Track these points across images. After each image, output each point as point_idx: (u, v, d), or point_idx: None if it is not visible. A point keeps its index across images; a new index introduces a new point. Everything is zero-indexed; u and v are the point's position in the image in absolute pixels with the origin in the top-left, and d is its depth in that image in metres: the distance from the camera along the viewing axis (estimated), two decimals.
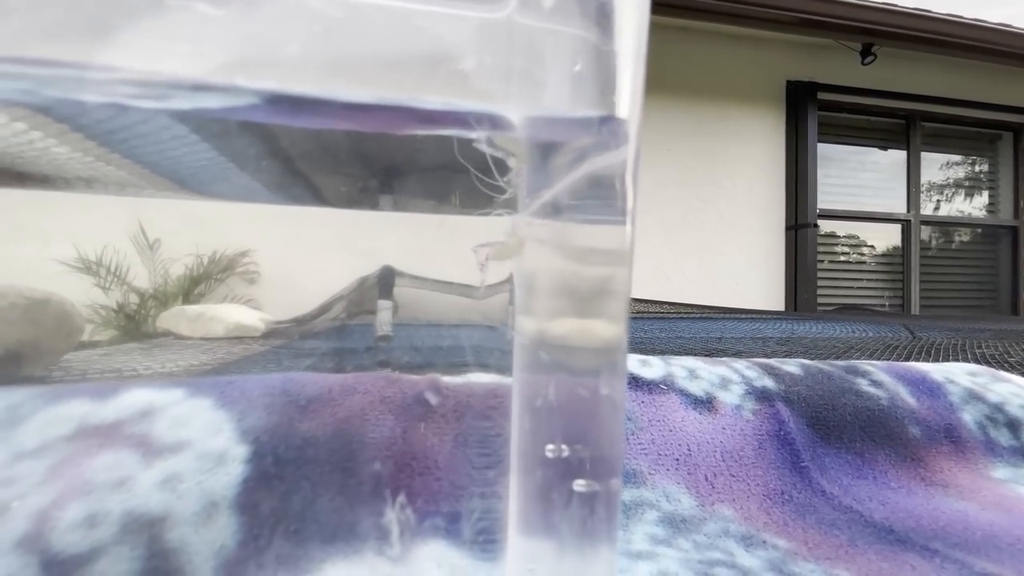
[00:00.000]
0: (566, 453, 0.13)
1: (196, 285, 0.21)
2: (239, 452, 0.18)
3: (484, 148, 0.16)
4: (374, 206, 0.20)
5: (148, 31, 0.15)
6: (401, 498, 0.18)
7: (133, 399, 0.19)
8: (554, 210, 0.15)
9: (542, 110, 0.14)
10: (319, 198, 0.21)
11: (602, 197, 0.13)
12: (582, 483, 0.13)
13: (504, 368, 0.17)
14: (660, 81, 2.34)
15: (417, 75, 0.15)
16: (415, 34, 0.15)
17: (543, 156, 0.15)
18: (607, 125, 0.12)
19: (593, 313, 0.14)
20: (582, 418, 0.13)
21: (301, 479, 0.18)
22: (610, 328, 0.13)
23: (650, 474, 0.25)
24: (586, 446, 0.13)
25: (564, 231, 0.15)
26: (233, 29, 0.15)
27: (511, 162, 0.16)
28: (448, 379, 0.21)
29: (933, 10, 2.28)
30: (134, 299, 0.20)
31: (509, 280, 0.17)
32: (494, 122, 0.15)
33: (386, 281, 0.21)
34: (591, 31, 0.12)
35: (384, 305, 0.21)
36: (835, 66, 2.58)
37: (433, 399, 0.18)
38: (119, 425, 0.18)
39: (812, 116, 2.56)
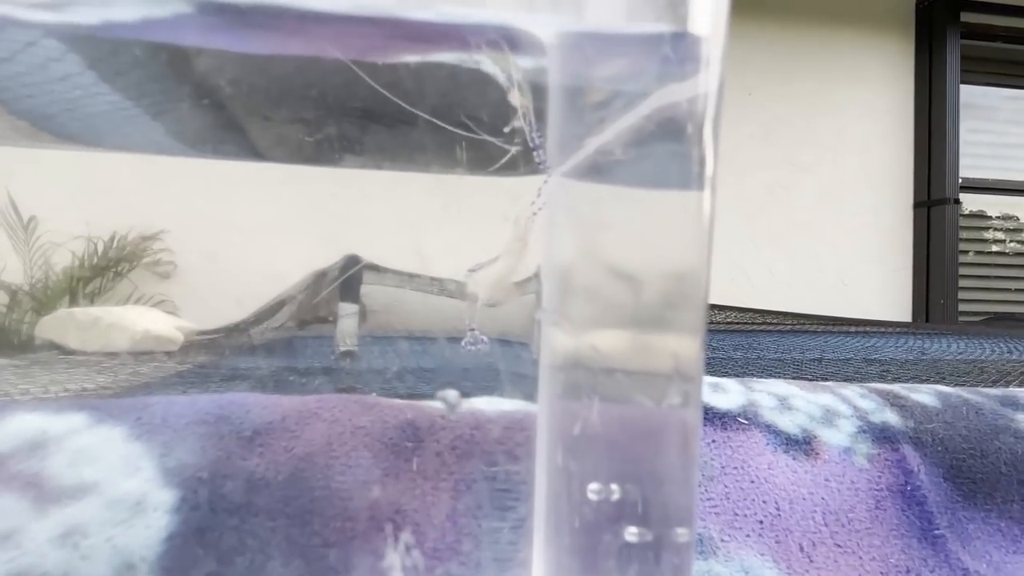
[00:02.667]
0: (616, 495, 0.14)
1: (89, 280, 0.21)
2: (163, 498, 0.19)
3: (499, 80, 0.16)
4: (337, 165, 0.20)
5: None
6: (382, 563, 0.18)
7: (20, 427, 0.19)
8: (598, 170, 0.15)
9: (583, 24, 0.14)
10: (260, 154, 0.21)
11: (669, 151, 0.13)
12: (636, 531, 0.13)
13: (525, 393, 0.17)
14: None
15: None
16: None
17: (584, 92, 0.15)
18: (677, 45, 0.12)
19: (657, 322, 0.14)
20: (641, 450, 0.14)
21: (246, 535, 0.18)
22: (681, 343, 0.14)
23: (723, 541, 0.25)
24: (646, 486, 0.13)
25: (613, 201, 0.15)
26: None
27: (535, 102, 0.16)
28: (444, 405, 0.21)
29: None
30: (3, 298, 0.20)
31: (535, 277, 0.17)
32: (514, 42, 0.15)
33: (351, 277, 0.21)
34: None
35: (348, 310, 0.21)
36: None
37: (451, 410, 0.18)
38: (2, 461, 0.19)
39: (952, 47, 2.53)
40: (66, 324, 0.22)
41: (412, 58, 0.17)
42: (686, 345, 0.14)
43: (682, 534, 0.13)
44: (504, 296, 0.17)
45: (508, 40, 0.15)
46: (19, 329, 0.21)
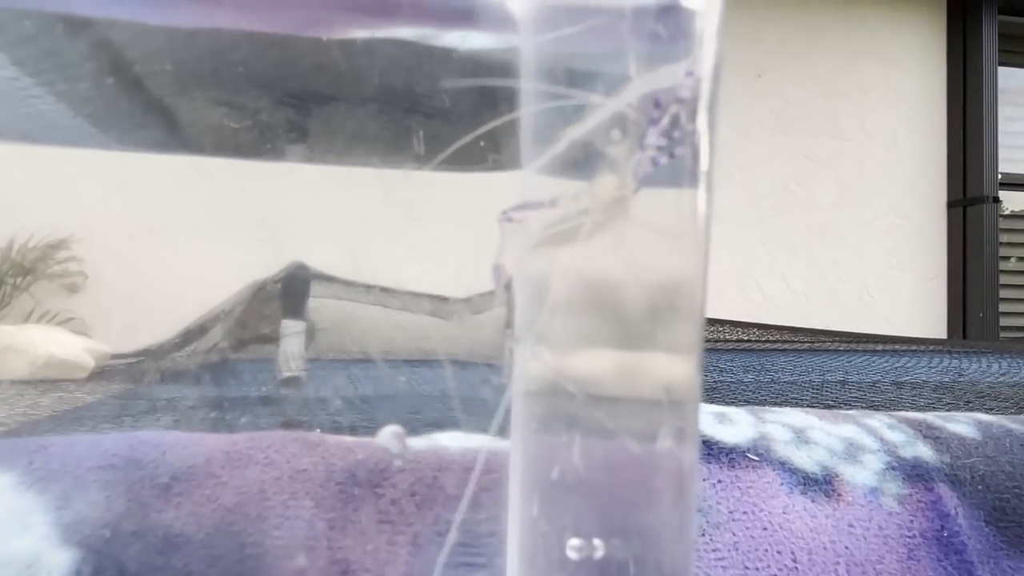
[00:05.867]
0: (600, 552, 0.13)
1: None
2: (59, 560, 0.18)
3: (462, 63, 0.16)
4: (278, 157, 0.20)
5: None
6: None
7: None
8: (576, 165, 0.15)
9: None
10: (186, 144, 0.21)
11: (657, 143, 0.13)
12: None
13: (496, 427, 0.17)
14: None
15: None
16: None
17: (561, 75, 0.15)
18: (667, 20, 0.12)
19: (645, 340, 0.14)
20: (628, 497, 0.13)
21: None
22: (673, 364, 0.14)
23: None
24: (634, 542, 0.13)
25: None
26: None
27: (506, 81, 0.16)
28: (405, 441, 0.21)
29: None
30: None
31: (506, 288, 0.17)
32: (481, 16, 0.15)
33: (296, 288, 0.21)
34: None
35: (293, 327, 0.21)
36: None
37: (397, 456, 0.18)
38: None
39: (989, 24, 2.59)
40: None
41: (362, 33, 0.17)
42: (679, 365, 0.14)
43: None
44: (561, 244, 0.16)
45: (474, 13, 0.15)
46: None
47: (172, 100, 0.20)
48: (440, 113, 0.17)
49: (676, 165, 0.13)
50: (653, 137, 0.14)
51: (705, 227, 0.13)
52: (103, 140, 0.21)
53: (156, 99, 0.20)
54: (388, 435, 0.19)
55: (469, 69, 0.16)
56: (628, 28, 0.13)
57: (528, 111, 0.16)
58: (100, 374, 0.23)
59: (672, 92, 0.14)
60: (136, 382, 0.23)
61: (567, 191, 0.15)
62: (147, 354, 0.22)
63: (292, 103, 0.19)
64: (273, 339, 0.22)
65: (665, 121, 0.14)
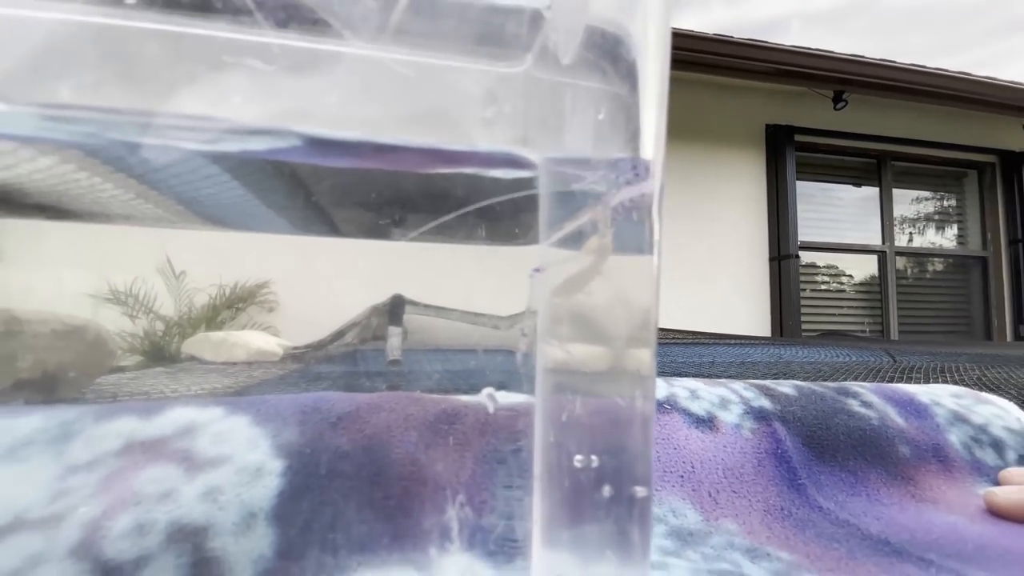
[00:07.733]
0: (596, 463, 0.13)
1: (219, 313, 0.21)
2: (275, 466, 0.18)
3: (504, 185, 0.16)
4: (390, 237, 0.20)
5: (208, 83, 0.15)
6: (425, 511, 0.18)
7: (176, 416, 0.19)
8: (576, 242, 0.15)
9: (562, 152, 0.14)
10: (337, 230, 0.21)
11: (627, 229, 0.13)
12: (609, 489, 0.13)
13: (525, 390, 0.17)
14: None
15: (442, 120, 0.16)
16: (441, 85, 0.16)
17: (565, 191, 0.15)
18: (631, 165, 0.13)
19: (622, 340, 0.14)
20: (611, 430, 0.13)
21: (332, 492, 0.18)
22: (640, 354, 0.14)
23: (657, 490, 0.25)
24: (617, 456, 0.13)
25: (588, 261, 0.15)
26: (280, 82, 0.16)
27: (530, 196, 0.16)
28: (467, 398, 0.21)
29: (898, 60, 2.38)
30: (160, 326, 0.20)
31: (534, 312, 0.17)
32: (514, 162, 0.16)
33: (396, 309, 0.21)
34: (615, 83, 0.13)
35: (394, 331, 0.21)
36: (810, 111, 2.64)
37: (491, 407, 0.18)
38: (164, 441, 0.18)
39: (790, 157, 2.61)
40: (203, 343, 0.22)
41: (445, 170, 0.17)
42: (644, 356, 0.14)
43: (642, 491, 0.13)
44: (570, 292, 0.16)
45: (509, 161, 0.15)
46: (171, 347, 0.21)
47: (330, 205, 0.20)
48: (490, 210, 0.17)
49: (639, 241, 0.13)
50: (618, 210, 0.14)
51: (657, 272, 0.13)
52: (291, 229, 0.21)
53: (321, 205, 0.20)
54: (485, 395, 0.19)
55: (507, 184, 0.16)
56: (608, 169, 0.13)
57: (544, 206, 0.16)
58: (286, 358, 0.23)
59: (631, 200, 0.14)
60: (306, 363, 0.23)
61: (571, 256, 0.15)
62: (312, 347, 0.22)
63: (398, 207, 0.19)
64: (383, 338, 0.22)
65: (624, 203, 0.14)
